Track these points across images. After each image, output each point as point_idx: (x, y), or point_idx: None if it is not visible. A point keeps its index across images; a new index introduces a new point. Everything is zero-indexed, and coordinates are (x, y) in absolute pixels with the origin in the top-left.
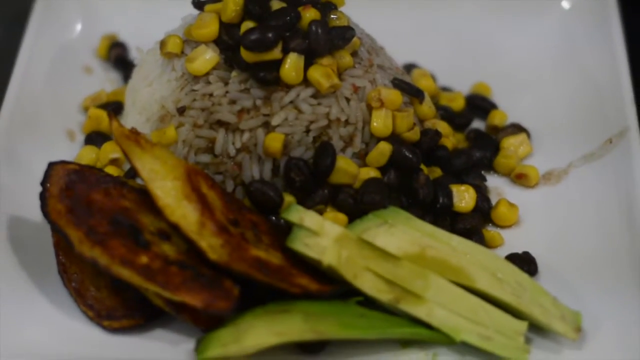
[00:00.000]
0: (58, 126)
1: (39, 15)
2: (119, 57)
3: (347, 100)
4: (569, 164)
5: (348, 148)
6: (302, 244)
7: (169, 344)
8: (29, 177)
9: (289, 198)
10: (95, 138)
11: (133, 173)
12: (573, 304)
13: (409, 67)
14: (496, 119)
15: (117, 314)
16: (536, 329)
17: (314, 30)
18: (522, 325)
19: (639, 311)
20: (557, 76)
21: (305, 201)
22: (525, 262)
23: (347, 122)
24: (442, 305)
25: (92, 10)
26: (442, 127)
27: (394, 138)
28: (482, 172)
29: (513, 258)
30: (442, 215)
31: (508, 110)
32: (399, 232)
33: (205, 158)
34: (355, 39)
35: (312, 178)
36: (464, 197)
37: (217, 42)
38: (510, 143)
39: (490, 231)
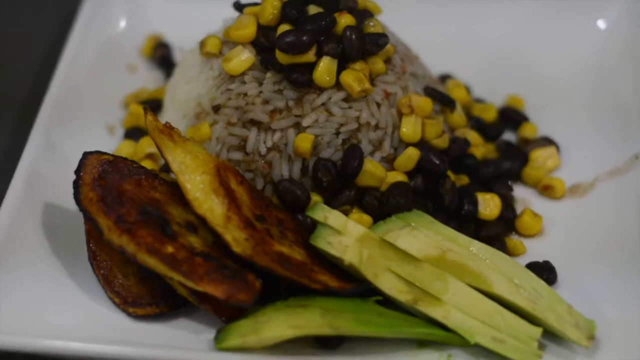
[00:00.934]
0: (99, 120)
1: (86, 13)
2: (162, 57)
3: (378, 105)
4: (595, 178)
5: (377, 152)
6: (325, 242)
7: (191, 332)
8: (66, 167)
9: (316, 197)
10: (134, 133)
11: (167, 167)
12: (589, 313)
13: (445, 78)
14: (526, 131)
15: (143, 302)
16: (551, 335)
17: (348, 36)
18: (537, 331)
19: None
20: (588, 93)
21: (332, 201)
22: (544, 271)
23: (377, 127)
24: (458, 308)
25: (139, 10)
26: (472, 136)
27: (422, 144)
28: (510, 182)
29: (533, 266)
30: (466, 221)
31: (539, 123)
32: (421, 235)
33: (237, 155)
34: (389, 46)
35: (339, 179)
36: (489, 205)
37: (254, 43)
38: (539, 155)
39: (513, 239)
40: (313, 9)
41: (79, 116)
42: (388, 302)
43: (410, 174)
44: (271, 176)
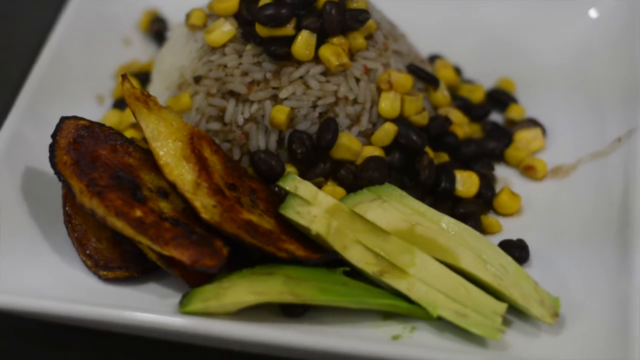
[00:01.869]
0: (89, 90)
1: None
2: (158, 31)
3: (357, 80)
4: (578, 160)
5: (354, 126)
6: (293, 212)
7: (159, 296)
8: (50, 133)
9: (290, 169)
10: (122, 103)
11: None
12: (558, 291)
13: (434, 58)
14: (513, 112)
15: (113, 265)
16: (517, 312)
17: (328, 10)
18: (501, 307)
19: (619, 304)
20: (577, 78)
21: (307, 174)
22: (516, 248)
23: (355, 101)
24: (424, 281)
25: None
26: (455, 115)
27: (401, 120)
28: (493, 162)
29: (506, 244)
30: (443, 198)
31: (528, 106)
32: (391, 208)
33: (215, 126)
34: (370, 23)
35: (314, 151)
36: (466, 183)
37: (237, 16)
38: (523, 136)
39: (489, 217)
40: None
41: (69, 85)
42: (355, 274)
43: (388, 149)
44: (248, 147)
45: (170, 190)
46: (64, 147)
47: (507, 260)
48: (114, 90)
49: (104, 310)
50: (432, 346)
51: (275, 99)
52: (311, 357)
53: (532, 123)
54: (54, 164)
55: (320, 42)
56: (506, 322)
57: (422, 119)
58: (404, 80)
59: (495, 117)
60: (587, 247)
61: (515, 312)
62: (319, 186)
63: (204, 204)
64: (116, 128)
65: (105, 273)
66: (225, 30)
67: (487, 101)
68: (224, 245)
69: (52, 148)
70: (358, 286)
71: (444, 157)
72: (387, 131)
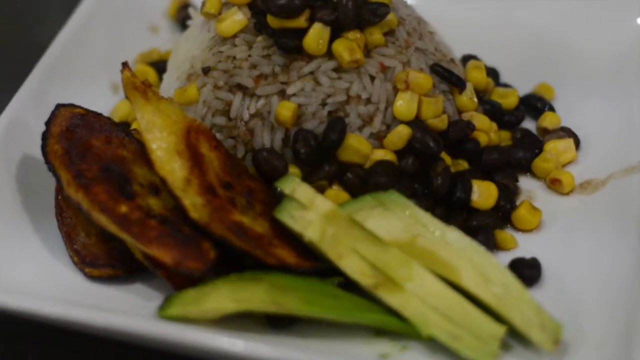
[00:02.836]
0: (105, 78)
1: None
2: (185, 19)
3: (372, 78)
4: (609, 175)
5: (366, 127)
6: (288, 216)
7: (142, 298)
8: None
9: (294, 170)
10: None
11: None
12: (567, 317)
13: (467, 58)
14: (546, 120)
15: (100, 262)
16: (520, 337)
17: (344, 2)
18: (499, 330)
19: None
20: (620, 89)
21: (311, 176)
22: (528, 267)
23: (368, 101)
24: (419, 297)
25: None
26: (480, 120)
27: (417, 123)
28: (519, 173)
29: (518, 262)
30: (457, 209)
31: (565, 115)
32: (393, 217)
33: (220, 120)
34: (391, 17)
35: (318, 152)
36: (483, 194)
37: (251, 5)
38: (554, 147)
39: (504, 233)
40: None
41: (84, 71)
42: (351, 286)
43: (402, 154)
44: (252, 144)
45: (162, 186)
46: (56, 136)
47: (511, 280)
48: None
49: (75, 311)
50: None
51: (283, 95)
52: None
53: (566, 133)
54: (45, 153)
55: (335, 37)
56: (506, 346)
57: (440, 122)
58: (423, 80)
59: (530, 124)
60: (606, 272)
61: (517, 336)
62: (322, 189)
63: (194, 202)
64: (125, 119)
65: (90, 270)
66: (237, 19)
67: (521, 107)
68: (212, 248)
69: (45, 136)
70: (349, 299)
71: (463, 165)
72: (401, 134)
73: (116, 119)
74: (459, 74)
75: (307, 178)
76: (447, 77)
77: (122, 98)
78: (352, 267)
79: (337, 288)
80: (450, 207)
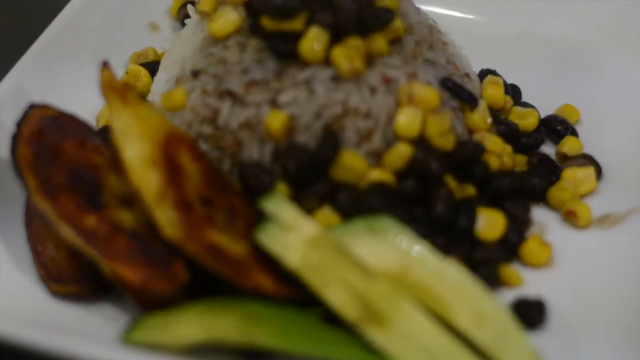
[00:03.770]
0: (96, 78)
1: None
2: (186, 17)
3: (373, 90)
4: (629, 209)
5: (364, 143)
6: (268, 237)
7: (108, 320)
8: None
9: (282, 187)
10: None
11: None
12: None
13: (485, 73)
14: (567, 146)
15: (67, 278)
16: None
17: (344, 5)
18: None
19: None
20: None
21: (300, 194)
22: (531, 309)
23: (367, 115)
24: (405, 336)
25: None
26: (493, 142)
27: (420, 142)
28: (533, 202)
29: (522, 303)
30: (459, 239)
31: (588, 141)
32: (385, 245)
33: (207, 129)
34: (397, 24)
35: (309, 169)
36: (489, 224)
37: (247, 5)
38: (573, 175)
39: (509, 269)
40: None
41: (73, 69)
42: (334, 318)
43: (401, 174)
44: (240, 157)
45: (135, 198)
46: (26, 138)
47: (509, 322)
48: (122, 79)
49: (28, 333)
50: None
51: (274, 103)
52: None
53: (587, 160)
54: (14, 156)
55: (333, 43)
56: None
57: (446, 142)
58: (429, 94)
59: (550, 149)
60: (617, 318)
61: None
62: (310, 210)
63: (168, 217)
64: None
65: (57, 286)
66: (230, 19)
67: (541, 129)
68: (184, 268)
69: (15, 138)
70: (330, 333)
71: (470, 191)
72: (401, 153)
73: (102, 122)
74: (474, 89)
75: (295, 197)
76: (457, 93)
77: None
78: (335, 297)
79: (317, 320)
80: (452, 237)
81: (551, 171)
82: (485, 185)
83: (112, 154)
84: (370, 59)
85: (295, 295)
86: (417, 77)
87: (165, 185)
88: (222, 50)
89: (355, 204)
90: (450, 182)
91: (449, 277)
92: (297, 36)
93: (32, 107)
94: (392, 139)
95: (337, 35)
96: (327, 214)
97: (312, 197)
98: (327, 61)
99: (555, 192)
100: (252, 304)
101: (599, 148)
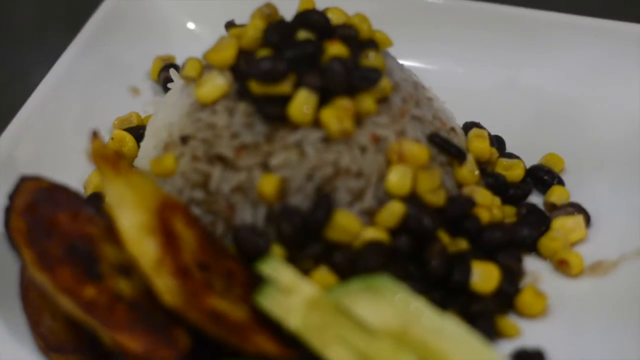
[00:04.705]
0: (82, 144)
1: (97, 22)
2: (168, 80)
3: (363, 149)
4: (620, 256)
5: (356, 203)
6: (268, 301)
7: None
8: None
9: (277, 250)
10: None
11: None
12: None
13: (469, 126)
14: (554, 195)
15: (67, 348)
16: None
17: (332, 67)
18: None
19: None
20: (634, 160)
21: (296, 256)
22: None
23: (358, 174)
24: None
25: (160, 30)
26: (482, 195)
27: (412, 199)
28: (524, 252)
29: (522, 354)
30: (455, 293)
31: (575, 188)
32: (384, 303)
33: (199, 194)
34: (385, 84)
35: (304, 231)
36: (484, 277)
37: (234, 69)
38: (562, 224)
39: (506, 320)
40: (303, 35)
41: (57, 137)
42: None
43: (395, 232)
44: (233, 221)
45: (132, 266)
46: (19, 210)
47: None
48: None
49: None
50: None
51: (266, 167)
52: None
53: (575, 209)
54: (7, 229)
55: (322, 104)
56: None
57: (437, 198)
58: (418, 151)
59: (537, 199)
60: None
61: None
62: (307, 271)
63: (167, 285)
64: (100, 190)
65: (57, 357)
66: (217, 84)
67: (527, 180)
68: (186, 335)
69: (8, 211)
70: None
71: (463, 245)
72: (394, 211)
73: (90, 189)
74: (460, 143)
75: (291, 258)
76: (446, 148)
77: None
78: (338, 357)
79: None
80: (448, 291)
81: (541, 221)
82: (477, 238)
83: (107, 223)
84: (359, 119)
85: (296, 356)
86: (406, 135)
87: (163, 253)
88: (211, 115)
89: (352, 263)
90: (443, 236)
91: (449, 333)
92: (285, 99)
93: (24, 180)
94: (384, 197)
95: (325, 97)
96: (323, 274)
97: (308, 259)
98: (316, 122)
99: (546, 242)
100: None
101: (585, 195)
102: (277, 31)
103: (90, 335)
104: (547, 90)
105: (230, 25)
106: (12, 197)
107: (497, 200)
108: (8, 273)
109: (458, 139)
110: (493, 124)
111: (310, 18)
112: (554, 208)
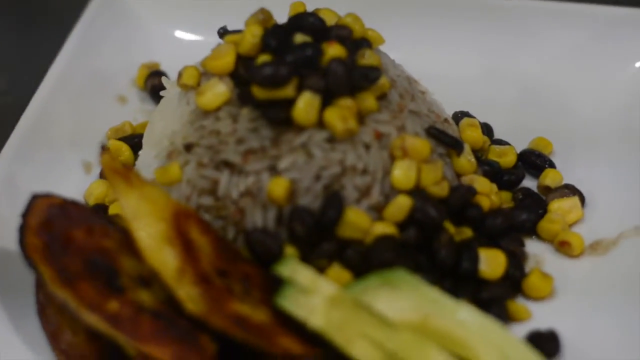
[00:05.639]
0: (76, 156)
1: (77, 37)
2: (154, 88)
3: (367, 147)
4: (619, 234)
5: (364, 199)
6: (290, 302)
7: None
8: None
9: (290, 250)
10: None
11: None
12: None
13: (459, 116)
14: (548, 178)
15: None
16: None
17: (333, 69)
18: None
19: None
20: (624, 139)
21: (309, 255)
22: (546, 341)
23: (364, 171)
24: None
25: (139, 36)
26: (481, 183)
27: (417, 192)
28: (524, 236)
29: (535, 336)
30: (464, 281)
31: (566, 170)
32: (401, 296)
33: (207, 200)
34: (383, 81)
35: (316, 230)
36: (492, 263)
37: (234, 75)
38: (559, 206)
39: (516, 304)
40: (300, 38)
41: (53, 151)
42: None
43: (403, 225)
44: (244, 225)
45: (151, 277)
46: (34, 229)
47: (533, 357)
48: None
49: None
50: None
51: (274, 170)
52: None
53: (570, 190)
54: (23, 247)
55: (325, 105)
56: None
57: (441, 189)
58: (421, 146)
59: (530, 182)
60: (630, 340)
61: None
62: (322, 269)
63: (189, 294)
64: (102, 201)
65: None
66: (218, 92)
67: (520, 165)
68: (211, 341)
69: (22, 229)
70: None
71: (467, 233)
72: (401, 205)
73: (91, 201)
74: (454, 134)
75: (305, 258)
76: (444, 140)
77: (95, 178)
78: (363, 353)
79: None
80: (458, 279)
81: (537, 204)
82: (480, 226)
83: (123, 236)
84: (361, 117)
85: (321, 355)
86: (406, 130)
87: (183, 263)
88: (214, 122)
89: (365, 258)
90: (449, 226)
91: (468, 321)
92: (289, 103)
93: (36, 197)
94: (390, 192)
95: (327, 98)
96: (337, 271)
97: (322, 257)
98: (320, 124)
99: (546, 225)
100: None
101: (576, 176)
102: (275, 36)
103: (112, 348)
104: (530, 75)
105: (224, 32)
106: (25, 215)
107: (494, 187)
108: (23, 293)
109: (452, 130)
110: (479, 112)
111: (306, 21)
112: (548, 191)
